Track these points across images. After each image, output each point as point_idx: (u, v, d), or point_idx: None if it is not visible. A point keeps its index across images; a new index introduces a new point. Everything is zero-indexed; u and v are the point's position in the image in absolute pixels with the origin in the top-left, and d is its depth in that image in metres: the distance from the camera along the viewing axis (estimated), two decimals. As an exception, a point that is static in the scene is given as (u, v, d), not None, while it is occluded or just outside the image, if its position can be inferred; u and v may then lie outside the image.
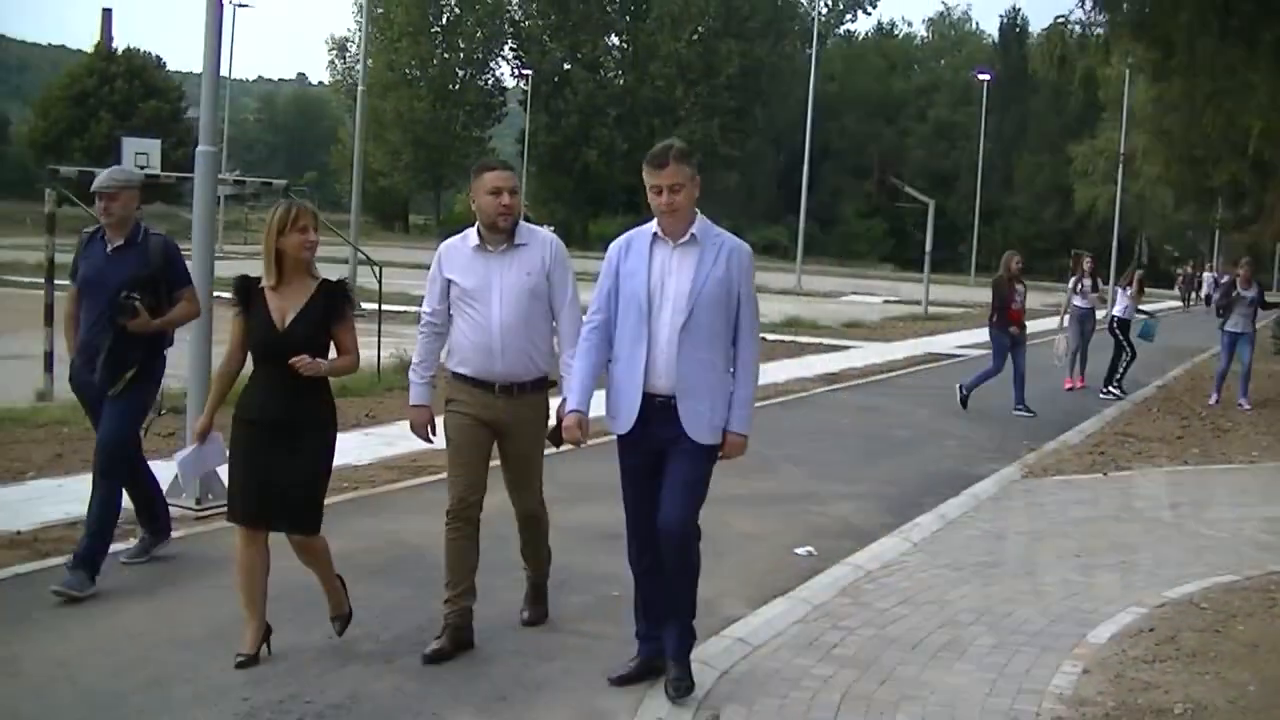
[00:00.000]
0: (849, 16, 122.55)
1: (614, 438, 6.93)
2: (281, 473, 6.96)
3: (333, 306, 7.14)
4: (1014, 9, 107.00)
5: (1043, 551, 10.15)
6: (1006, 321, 19.85)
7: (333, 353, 7.21)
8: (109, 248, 8.59)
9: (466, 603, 7.44)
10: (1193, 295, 67.69)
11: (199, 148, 11.34)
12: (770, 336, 30.71)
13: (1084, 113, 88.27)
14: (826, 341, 31.22)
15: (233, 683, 6.77)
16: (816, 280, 63.08)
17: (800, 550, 10.16)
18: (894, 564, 9.68)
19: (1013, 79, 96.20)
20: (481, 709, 6.63)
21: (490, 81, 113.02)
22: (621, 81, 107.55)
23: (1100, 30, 20.04)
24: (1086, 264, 24.19)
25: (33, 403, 15.48)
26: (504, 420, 7.46)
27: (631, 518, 6.98)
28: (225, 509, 7.65)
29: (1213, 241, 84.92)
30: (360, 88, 34.88)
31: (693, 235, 6.78)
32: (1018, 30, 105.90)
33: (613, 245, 7.02)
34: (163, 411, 10.26)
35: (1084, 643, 7.81)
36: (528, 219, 7.97)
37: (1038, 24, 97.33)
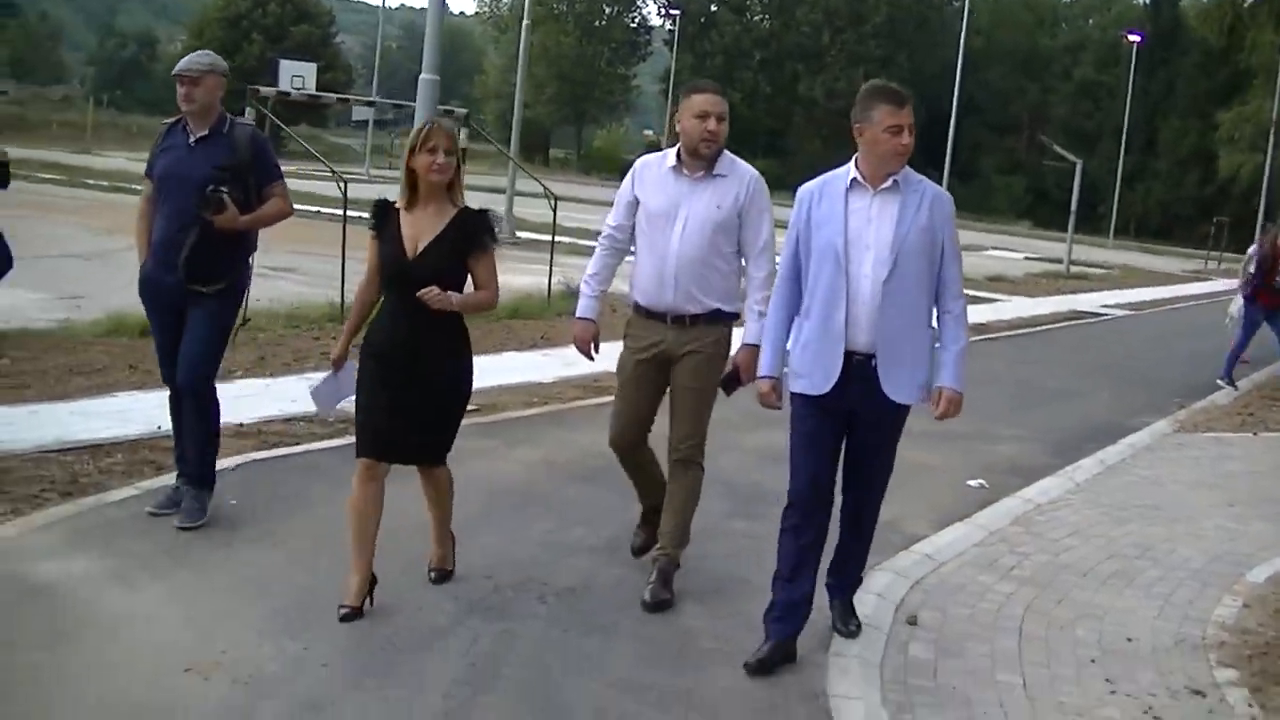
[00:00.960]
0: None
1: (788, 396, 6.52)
2: (411, 406, 6.62)
3: (470, 236, 6.63)
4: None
5: (1199, 499, 10.72)
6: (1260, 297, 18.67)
7: (470, 286, 6.72)
8: (191, 139, 7.83)
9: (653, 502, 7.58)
10: None
11: (422, 75, 12.20)
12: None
13: (1233, 78, 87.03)
14: (971, 293, 31.57)
15: (474, 566, 7.52)
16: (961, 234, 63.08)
17: (973, 482, 10.84)
18: (1060, 500, 10.32)
19: (1161, 41, 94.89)
20: (699, 599, 7.37)
21: (637, 20, 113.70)
22: (767, 25, 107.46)
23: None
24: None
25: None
26: (674, 351, 7.15)
27: (803, 483, 6.51)
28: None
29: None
30: (525, 21, 35.48)
31: (895, 181, 6.29)
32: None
33: (803, 190, 6.52)
34: (247, 320, 9.49)
35: (1242, 581, 8.40)
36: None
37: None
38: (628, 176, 7.35)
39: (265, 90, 18.91)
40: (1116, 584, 8.18)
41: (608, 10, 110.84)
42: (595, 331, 7.39)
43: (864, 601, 7.28)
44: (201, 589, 6.85)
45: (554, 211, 21.38)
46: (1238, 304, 19.22)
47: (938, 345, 6.46)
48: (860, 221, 6.30)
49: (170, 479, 8.31)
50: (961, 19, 72.84)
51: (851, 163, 6.41)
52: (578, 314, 7.46)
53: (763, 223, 7.17)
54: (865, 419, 6.43)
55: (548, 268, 20.76)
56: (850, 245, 6.26)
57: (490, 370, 12.63)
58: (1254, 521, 10.05)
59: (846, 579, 7.01)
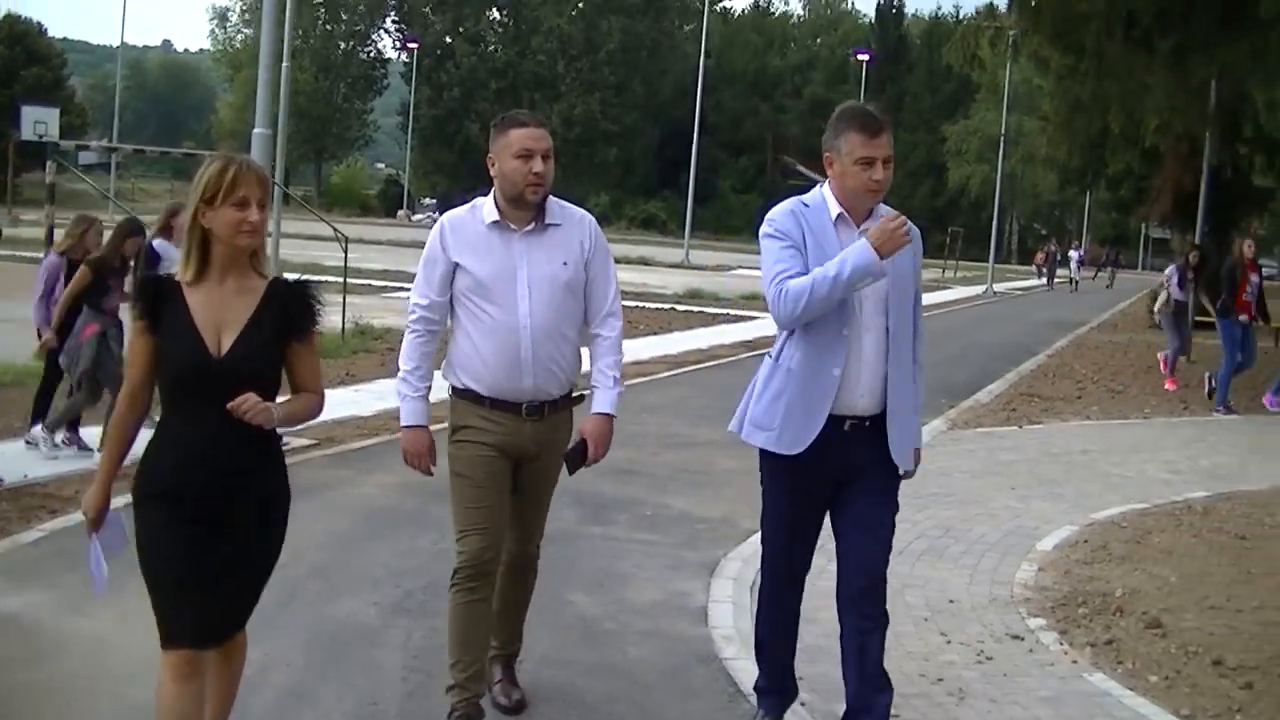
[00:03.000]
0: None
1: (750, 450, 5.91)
2: (230, 565, 4.75)
3: (292, 319, 4.78)
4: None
5: (984, 485, 12.03)
6: (1235, 310, 18.61)
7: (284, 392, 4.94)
8: None
9: (479, 690, 5.95)
10: (1056, 274, 65.19)
11: (255, 130, 12.85)
12: (679, 307, 32.99)
13: (958, 93, 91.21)
14: (732, 312, 33.10)
15: (380, 576, 8.34)
16: (703, 255, 64.96)
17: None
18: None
19: (889, 59, 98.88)
20: (588, 591, 8.37)
21: (372, 53, 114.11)
22: (503, 55, 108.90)
23: (1014, 33, 22.45)
24: (1193, 257, 22.26)
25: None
26: (530, 449, 5.90)
27: (779, 553, 6.01)
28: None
29: (1081, 221, 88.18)
30: (285, 64, 35.78)
31: (878, 215, 5.56)
32: (895, 11, 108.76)
33: (781, 214, 5.64)
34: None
35: (1034, 550, 9.65)
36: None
37: (913, 6, 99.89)
38: (433, 240, 5.89)
39: (65, 144, 19.30)
40: (929, 558, 9.37)
41: (343, 45, 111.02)
42: (430, 440, 5.86)
43: (722, 585, 8.36)
44: (147, 611, 7.61)
45: (345, 252, 22.13)
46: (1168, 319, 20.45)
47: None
48: None
49: (73, 518, 8.98)
50: (697, 42, 74.81)
51: (821, 190, 5.68)
52: (404, 421, 5.90)
53: (610, 274, 6.09)
54: (864, 489, 5.66)
55: (339, 308, 21.51)
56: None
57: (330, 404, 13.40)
58: (1034, 501, 11.37)
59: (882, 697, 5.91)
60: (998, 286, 55.52)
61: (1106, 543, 9.90)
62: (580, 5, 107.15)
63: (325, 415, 13.27)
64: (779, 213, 5.67)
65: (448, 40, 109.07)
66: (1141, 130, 21.54)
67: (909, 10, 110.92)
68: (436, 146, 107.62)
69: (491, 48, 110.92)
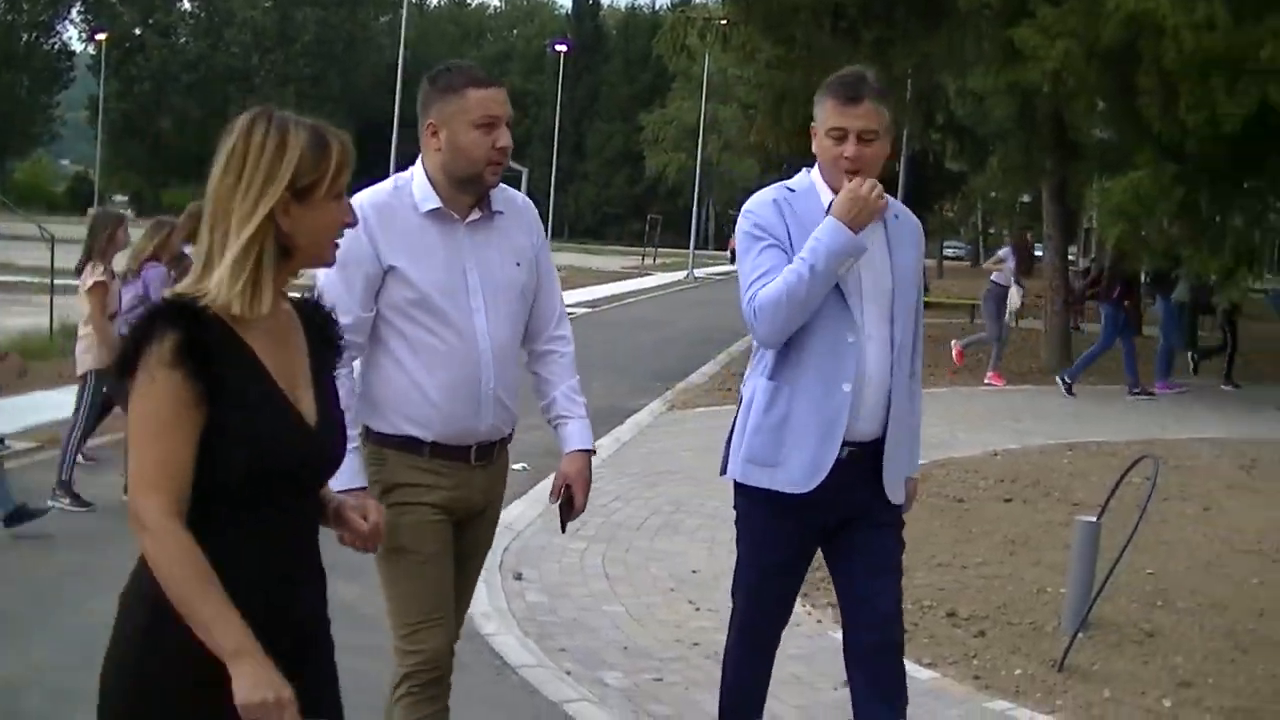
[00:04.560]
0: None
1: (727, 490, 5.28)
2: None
3: (329, 358, 3.32)
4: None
5: (709, 462, 12.25)
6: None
7: None
8: None
9: None
10: None
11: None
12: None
13: (654, 82, 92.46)
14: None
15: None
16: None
17: (516, 466, 12.18)
18: (594, 474, 11.80)
19: (585, 49, 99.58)
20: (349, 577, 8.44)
21: (57, 45, 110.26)
22: (195, 48, 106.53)
23: (723, 22, 23.10)
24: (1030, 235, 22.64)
25: None
26: (479, 502, 4.70)
27: (762, 617, 5.19)
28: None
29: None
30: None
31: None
32: (591, 2, 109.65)
33: (759, 204, 4.79)
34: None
35: (765, 521, 10.11)
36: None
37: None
38: (352, 233, 3.57)
39: None
40: (666, 533, 9.71)
41: (25, 37, 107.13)
42: (377, 505, 3.59)
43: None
44: None
45: (52, 251, 21.59)
46: (1015, 301, 20.07)
47: None
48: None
49: None
50: (394, 34, 74.58)
51: (809, 174, 4.87)
52: (342, 485, 3.94)
53: (554, 273, 4.96)
54: (869, 528, 4.87)
55: (47, 306, 21.01)
56: (848, 294, 4.68)
57: (48, 406, 13.43)
58: (759, 476, 11.82)
59: None
60: (699, 272, 56.62)
61: (831, 511, 10.36)
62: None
63: (46, 415, 13.29)
64: (757, 202, 4.83)
65: (137, 32, 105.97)
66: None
67: (605, 1, 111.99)
68: (127, 141, 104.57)
69: (183, 40, 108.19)
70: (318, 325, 3.26)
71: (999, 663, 6.99)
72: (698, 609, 7.86)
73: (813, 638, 7.31)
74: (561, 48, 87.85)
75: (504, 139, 4.43)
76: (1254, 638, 7.60)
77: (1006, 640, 7.34)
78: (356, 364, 4.47)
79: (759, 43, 23.09)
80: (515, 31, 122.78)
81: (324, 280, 4.29)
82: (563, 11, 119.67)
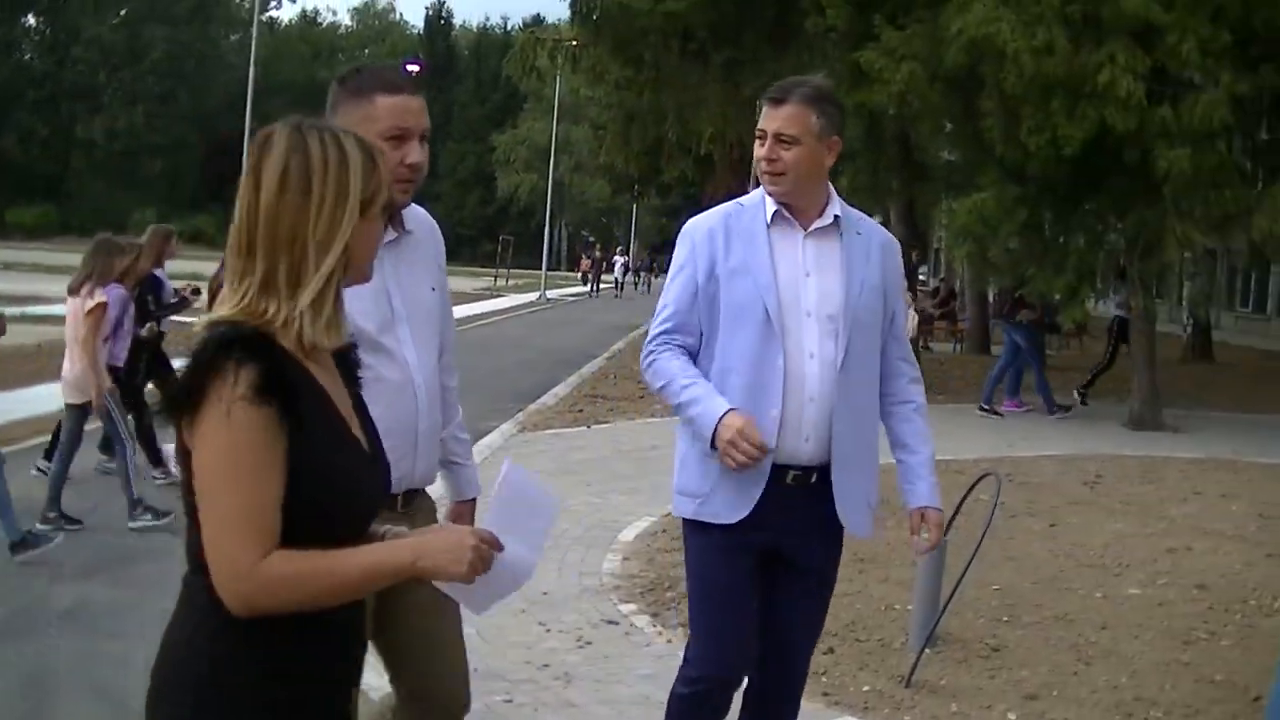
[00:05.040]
0: (274, 4, 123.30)
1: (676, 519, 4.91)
2: None
3: (358, 384, 3.02)
4: (439, 2, 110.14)
5: (561, 483, 12.34)
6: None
7: None
8: None
9: None
10: (601, 280, 66.32)
11: None
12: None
13: (506, 103, 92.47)
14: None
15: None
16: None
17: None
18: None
19: (438, 69, 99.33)
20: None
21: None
22: (41, 64, 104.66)
23: (573, 44, 23.22)
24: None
25: None
26: None
27: (719, 651, 4.66)
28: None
29: (629, 228, 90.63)
30: None
31: (835, 217, 4.59)
32: (443, 22, 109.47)
33: (695, 226, 4.62)
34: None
35: (618, 541, 10.08)
36: None
37: (462, 16, 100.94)
38: None
39: None
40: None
41: None
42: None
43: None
44: None
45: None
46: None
47: (902, 451, 4.80)
48: (792, 273, 4.53)
49: None
50: (244, 52, 73.80)
51: (757, 191, 4.69)
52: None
53: (449, 299, 4.48)
54: (797, 558, 4.62)
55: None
56: (784, 309, 4.47)
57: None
58: (611, 496, 11.83)
59: None
60: (551, 293, 56.73)
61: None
62: (123, 13, 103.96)
63: None
64: (692, 223, 4.67)
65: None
66: (696, 139, 22.50)
67: (457, 21, 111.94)
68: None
69: (28, 56, 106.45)
70: (341, 350, 2.95)
71: (848, 679, 7.06)
72: (548, 630, 7.84)
73: (663, 658, 7.32)
74: (413, 68, 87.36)
75: (414, 154, 4.01)
76: (1096, 649, 7.75)
77: (855, 657, 7.41)
78: None
79: (608, 64, 23.29)
80: (367, 51, 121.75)
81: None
82: (414, 31, 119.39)
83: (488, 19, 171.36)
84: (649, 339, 4.65)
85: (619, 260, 67.92)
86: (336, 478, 2.71)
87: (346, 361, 2.97)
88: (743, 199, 4.69)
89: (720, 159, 22.85)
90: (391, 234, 4.02)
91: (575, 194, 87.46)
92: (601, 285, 65.40)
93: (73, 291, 10.34)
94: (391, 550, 2.71)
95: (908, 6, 17.51)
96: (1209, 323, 31.44)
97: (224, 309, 2.68)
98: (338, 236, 2.70)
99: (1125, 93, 14.92)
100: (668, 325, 4.60)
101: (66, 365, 10.39)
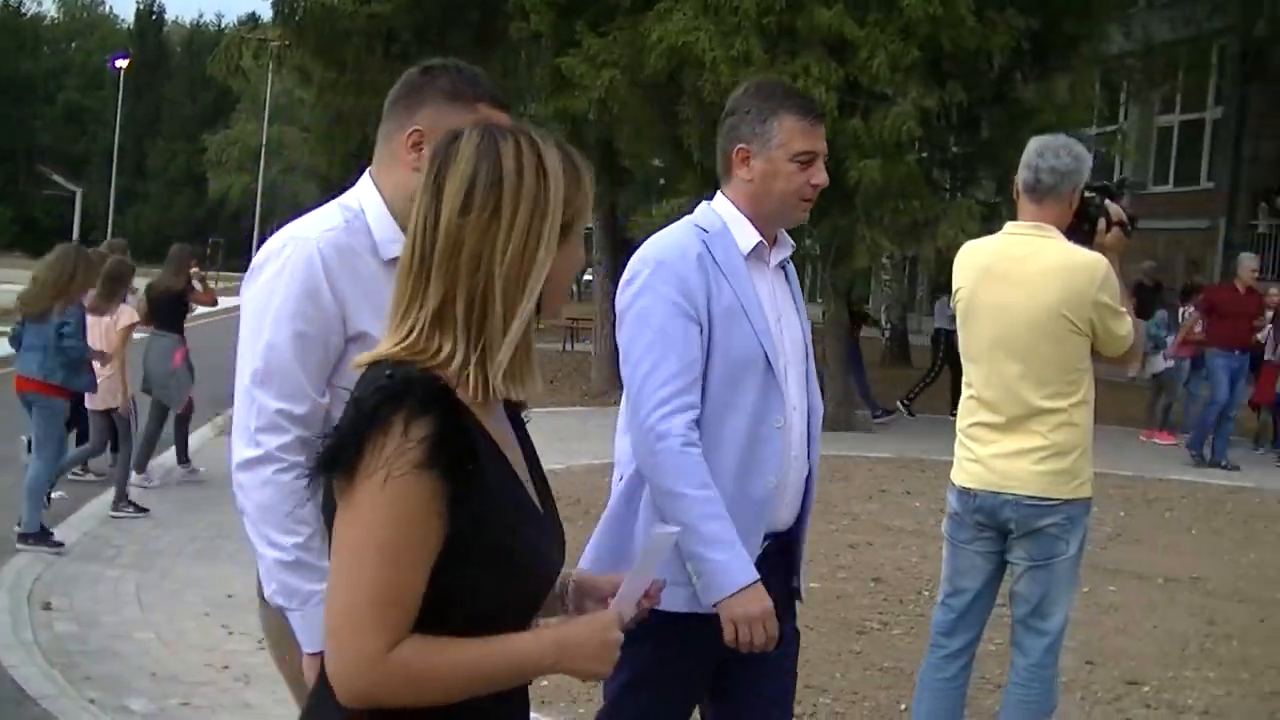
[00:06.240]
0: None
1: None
2: None
3: (526, 435, 2.60)
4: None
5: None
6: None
7: None
8: None
9: None
10: None
11: None
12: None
13: (218, 102, 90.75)
14: None
15: None
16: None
17: (56, 494, 11.83)
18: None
19: (148, 66, 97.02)
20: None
21: None
22: None
23: (277, 45, 22.93)
24: None
25: None
26: None
27: None
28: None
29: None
30: None
31: (785, 243, 4.06)
32: (154, 17, 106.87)
33: (678, 251, 3.81)
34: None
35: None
36: None
37: (175, 11, 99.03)
38: (307, 287, 3.29)
39: None
40: (206, 558, 9.64)
41: None
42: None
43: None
44: None
45: None
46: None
47: None
48: (771, 314, 3.92)
49: None
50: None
51: (713, 209, 3.93)
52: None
53: None
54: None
55: None
56: (774, 355, 3.84)
57: None
58: (307, 498, 11.78)
59: None
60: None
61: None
62: None
63: None
64: (675, 241, 3.85)
65: None
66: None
67: (170, 17, 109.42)
68: None
69: None
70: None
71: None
72: (231, 632, 7.82)
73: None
74: (122, 63, 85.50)
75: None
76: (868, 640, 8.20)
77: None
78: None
79: (312, 66, 23.07)
80: (74, 44, 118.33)
81: (264, 350, 3.23)
82: (124, 25, 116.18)
83: (201, 15, 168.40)
84: (661, 403, 3.65)
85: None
86: (515, 557, 2.29)
87: (515, 406, 2.54)
88: (697, 219, 3.91)
89: (419, 162, 22.92)
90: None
91: (288, 196, 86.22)
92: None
93: (98, 312, 11.06)
94: (535, 646, 2.28)
95: (610, 14, 17.72)
96: (905, 327, 32.53)
97: (387, 343, 2.29)
98: (533, 267, 2.28)
99: (819, 103, 15.34)
100: (685, 392, 3.69)
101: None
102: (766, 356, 3.76)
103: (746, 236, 3.84)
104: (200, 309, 15.80)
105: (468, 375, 2.23)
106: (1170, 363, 18.64)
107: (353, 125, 20.38)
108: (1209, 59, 28.63)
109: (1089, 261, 5.06)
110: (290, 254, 3.28)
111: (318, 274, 3.24)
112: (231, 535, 10.18)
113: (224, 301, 17.65)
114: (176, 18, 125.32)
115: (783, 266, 4.03)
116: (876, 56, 15.78)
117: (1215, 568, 10.75)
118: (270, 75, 44.45)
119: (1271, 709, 7.37)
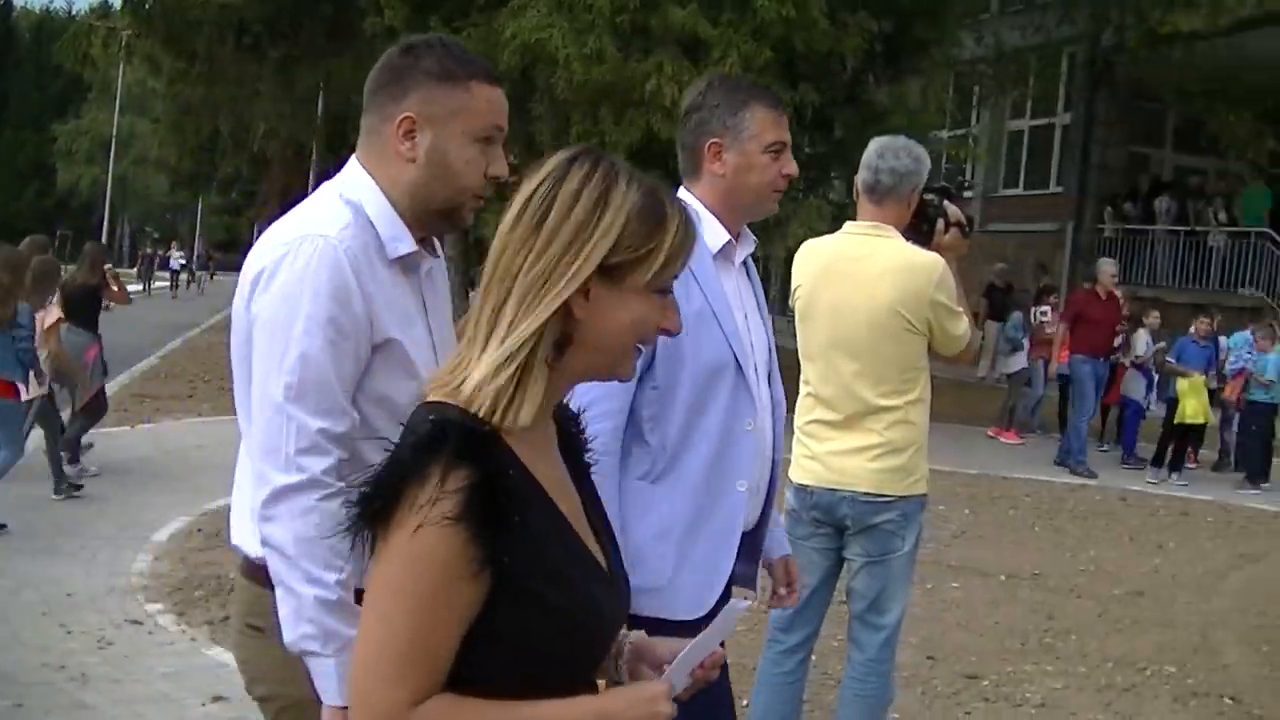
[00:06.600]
0: None
1: None
2: None
3: (590, 481, 2.45)
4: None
5: (98, 485, 12.04)
6: None
7: None
8: None
9: None
10: (154, 278, 62.88)
11: None
12: None
13: (67, 91, 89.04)
14: None
15: None
16: None
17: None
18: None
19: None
20: None
21: None
22: None
23: (127, 34, 22.55)
24: None
25: None
26: None
27: None
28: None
29: (194, 225, 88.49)
30: None
31: (748, 238, 4.02)
32: (2, 3, 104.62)
33: None
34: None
35: (150, 541, 9.92)
36: None
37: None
38: (334, 293, 2.93)
39: None
40: (45, 556, 9.38)
41: None
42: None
43: None
44: None
45: None
46: None
47: None
48: (738, 314, 3.85)
49: None
50: None
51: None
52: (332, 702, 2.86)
53: None
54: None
55: None
56: (742, 360, 3.76)
57: None
58: (147, 495, 11.59)
59: None
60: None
61: (219, 529, 10.24)
62: None
63: None
64: None
65: None
66: (251, 135, 22.21)
67: (19, 2, 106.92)
68: None
69: None
70: (570, 436, 2.40)
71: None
72: (69, 632, 7.65)
73: (184, 655, 7.26)
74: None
75: (500, 164, 3.12)
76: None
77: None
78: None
79: (162, 56, 22.73)
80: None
81: (296, 363, 2.88)
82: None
83: (51, 2, 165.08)
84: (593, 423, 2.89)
85: (176, 257, 64.34)
86: (561, 611, 2.13)
87: (577, 445, 2.41)
88: None
89: (276, 156, 22.62)
90: (428, 260, 3.19)
91: (139, 188, 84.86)
92: (155, 284, 62.12)
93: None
94: (571, 714, 2.13)
95: (465, 9, 17.66)
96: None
97: (442, 381, 2.18)
98: (552, 284, 2.12)
99: (671, 102, 15.38)
100: (616, 413, 3.57)
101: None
102: (737, 360, 3.69)
103: (715, 235, 3.78)
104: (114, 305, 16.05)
105: (485, 404, 2.10)
106: (1025, 364, 18.96)
107: (203, 116, 20.16)
108: (1059, 66, 29.14)
109: (927, 262, 5.11)
110: (311, 256, 2.92)
111: (347, 277, 2.92)
112: (73, 534, 10.03)
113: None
114: (26, 3, 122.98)
115: (744, 263, 3.97)
116: (729, 57, 15.90)
117: (1056, 564, 10.96)
118: (121, 65, 43.75)
119: (1107, 700, 7.52)
